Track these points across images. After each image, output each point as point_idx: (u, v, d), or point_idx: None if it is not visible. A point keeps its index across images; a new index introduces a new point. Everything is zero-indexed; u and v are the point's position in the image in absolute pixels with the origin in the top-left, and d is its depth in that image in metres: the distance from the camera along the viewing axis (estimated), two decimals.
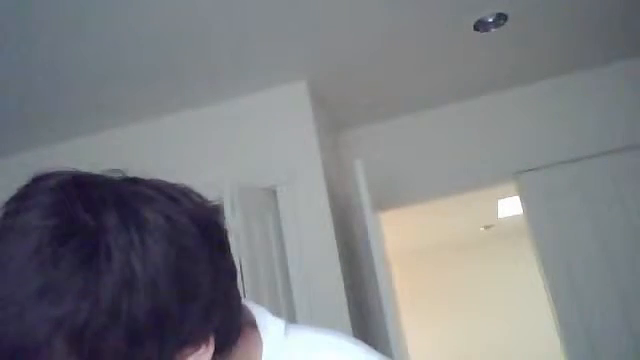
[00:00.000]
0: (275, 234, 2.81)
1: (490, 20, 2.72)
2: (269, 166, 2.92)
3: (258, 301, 2.47)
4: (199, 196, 0.64)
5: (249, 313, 0.72)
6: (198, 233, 0.59)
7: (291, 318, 2.65)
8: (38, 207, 0.55)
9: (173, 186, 0.62)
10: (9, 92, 2.66)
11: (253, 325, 0.71)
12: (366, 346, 0.73)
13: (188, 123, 3.08)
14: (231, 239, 2.41)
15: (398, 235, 5.22)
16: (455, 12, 2.62)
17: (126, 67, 2.63)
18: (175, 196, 0.60)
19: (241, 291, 2.46)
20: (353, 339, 0.74)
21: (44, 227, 0.53)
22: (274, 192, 2.89)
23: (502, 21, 2.73)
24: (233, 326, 0.64)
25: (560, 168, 3.31)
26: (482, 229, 6.28)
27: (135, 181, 0.63)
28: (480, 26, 2.75)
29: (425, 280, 6.53)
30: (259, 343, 0.69)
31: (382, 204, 3.27)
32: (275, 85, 2.98)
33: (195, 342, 0.58)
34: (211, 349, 0.59)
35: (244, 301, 0.72)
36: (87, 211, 0.55)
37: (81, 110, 2.92)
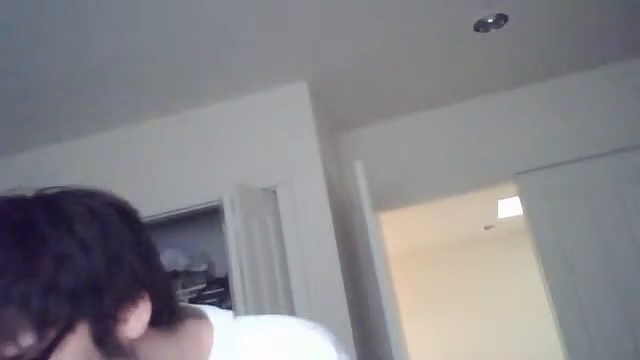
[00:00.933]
0: (275, 234, 2.80)
1: (490, 21, 2.72)
2: (269, 166, 2.92)
3: (258, 301, 2.47)
4: (111, 194, 0.76)
5: (197, 309, 0.82)
6: (114, 212, 0.71)
7: None
8: None
9: (89, 188, 0.74)
10: (9, 92, 2.66)
11: (203, 315, 0.81)
12: (313, 324, 0.81)
13: (188, 124, 3.08)
14: (231, 239, 2.41)
15: (398, 235, 5.22)
16: (455, 12, 2.62)
17: (126, 68, 2.63)
18: (90, 192, 0.73)
19: (241, 291, 2.47)
20: (299, 319, 0.82)
21: None
22: (274, 192, 2.89)
23: (502, 22, 2.73)
24: (167, 293, 0.74)
25: (560, 169, 3.31)
26: (482, 230, 6.28)
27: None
28: (480, 27, 2.75)
29: (425, 280, 6.53)
30: (210, 326, 0.79)
31: (382, 204, 3.27)
32: (275, 85, 2.98)
33: (132, 299, 0.68)
34: (149, 307, 0.69)
35: (196, 305, 0.83)
36: (16, 209, 0.67)
37: (81, 111, 2.92)
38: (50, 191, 0.71)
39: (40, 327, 0.61)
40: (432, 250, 6.52)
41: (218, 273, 3.44)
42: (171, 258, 3.35)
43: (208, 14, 2.35)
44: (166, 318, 0.73)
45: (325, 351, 0.77)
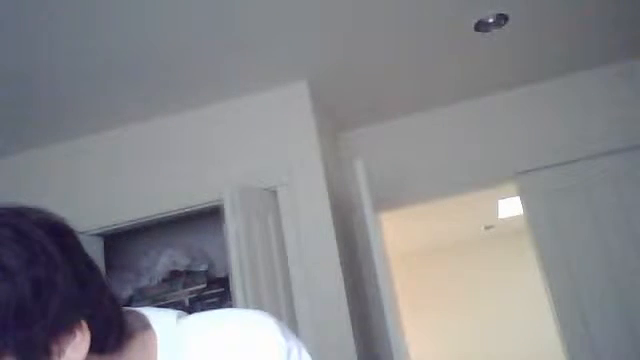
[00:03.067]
0: (275, 234, 2.81)
1: (491, 21, 2.72)
2: (269, 166, 2.92)
3: (258, 301, 2.47)
4: (44, 212, 0.69)
5: (143, 316, 0.77)
6: (44, 233, 0.65)
7: (291, 318, 2.65)
8: None
9: (20, 206, 0.68)
10: (8, 92, 2.66)
11: (147, 324, 0.75)
12: (260, 313, 0.78)
13: (188, 124, 3.08)
14: (231, 239, 2.41)
15: (398, 235, 5.22)
16: (456, 13, 2.62)
17: (126, 68, 2.63)
18: (19, 211, 0.67)
19: (242, 291, 2.47)
20: (247, 310, 0.80)
21: None
22: (274, 192, 2.89)
23: (503, 22, 2.73)
24: (111, 316, 0.69)
25: (560, 169, 3.30)
26: (482, 229, 6.28)
27: None
28: (481, 27, 2.75)
29: (425, 280, 6.52)
30: (153, 336, 0.74)
31: (382, 204, 3.27)
32: (275, 85, 2.98)
33: (67, 329, 0.63)
34: (87, 336, 0.64)
35: (141, 309, 0.78)
36: None
37: (80, 111, 2.92)
38: None
39: None
40: (432, 250, 6.52)
41: (218, 273, 3.44)
42: (171, 258, 3.36)
43: (208, 14, 2.35)
44: (112, 342, 0.69)
45: (271, 340, 0.74)
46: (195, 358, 0.73)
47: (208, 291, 3.32)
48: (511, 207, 5.14)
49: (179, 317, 0.77)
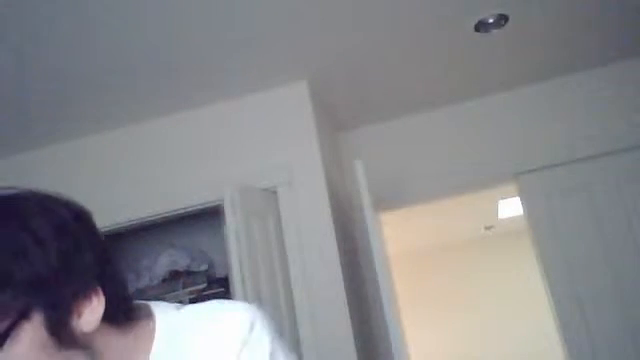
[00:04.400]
0: (275, 235, 2.81)
1: (491, 21, 2.72)
2: (269, 167, 2.92)
3: (259, 301, 2.47)
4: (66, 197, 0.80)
5: (146, 306, 0.86)
6: (69, 213, 0.76)
7: (291, 319, 2.65)
8: None
9: (44, 191, 0.79)
10: (9, 92, 2.66)
11: (150, 314, 0.85)
12: (249, 306, 0.86)
13: (189, 124, 3.08)
14: (232, 239, 2.41)
15: (398, 235, 5.22)
16: (456, 13, 2.63)
17: (126, 68, 2.63)
18: (46, 194, 0.77)
19: (242, 291, 2.47)
20: (239, 302, 0.88)
21: None
22: (274, 193, 2.89)
23: (503, 22, 2.73)
24: (121, 291, 0.79)
25: (560, 169, 3.30)
26: (483, 230, 6.28)
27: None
28: (481, 27, 2.75)
29: (425, 280, 6.52)
30: (154, 323, 0.83)
31: (383, 205, 3.27)
32: (276, 85, 2.98)
33: (86, 295, 0.72)
34: (102, 302, 0.73)
35: (145, 302, 0.87)
36: None
37: (81, 111, 2.92)
38: (7, 191, 0.75)
39: None
40: (432, 250, 6.52)
41: (218, 273, 3.44)
42: (171, 258, 3.36)
43: (208, 14, 2.35)
44: (120, 315, 0.78)
45: (232, 331, 0.80)
46: (190, 344, 0.81)
47: (208, 291, 3.32)
48: (511, 207, 5.15)
49: (178, 308, 0.86)
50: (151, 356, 0.80)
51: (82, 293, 0.72)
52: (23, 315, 0.67)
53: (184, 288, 3.33)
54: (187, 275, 3.37)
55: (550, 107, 3.42)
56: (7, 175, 3.13)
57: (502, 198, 4.99)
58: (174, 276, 3.35)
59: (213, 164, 2.98)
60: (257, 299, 2.48)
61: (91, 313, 0.72)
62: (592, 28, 2.95)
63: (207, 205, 2.90)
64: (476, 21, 2.71)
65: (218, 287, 3.34)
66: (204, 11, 2.33)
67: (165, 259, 3.35)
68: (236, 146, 3.00)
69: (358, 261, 3.21)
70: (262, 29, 2.52)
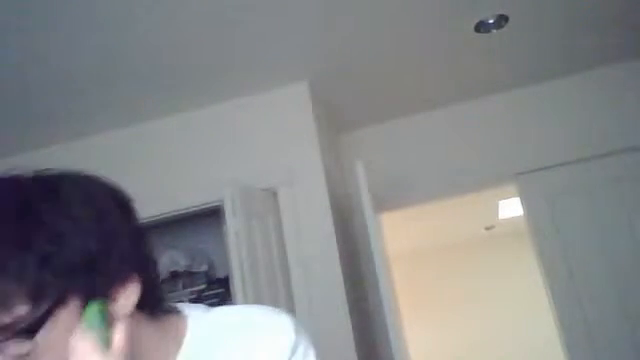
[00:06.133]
0: (276, 235, 2.81)
1: (491, 21, 2.72)
2: (270, 167, 2.92)
3: (258, 301, 2.47)
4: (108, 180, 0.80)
5: (176, 306, 0.85)
6: (110, 197, 0.75)
7: None
8: None
9: (85, 173, 0.79)
10: (10, 92, 2.66)
11: (180, 313, 0.84)
12: (278, 310, 0.86)
13: (188, 124, 3.08)
14: (232, 239, 2.40)
15: (399, 236, 5.22)
16: (456, 13, 2.63)
17: (127, 68, 2.63)
18: (88, 176, 0.78)
19: (242, 292, 2.47)
20: (265, 307, 0.87)
21: None
22: (275, 193, 2.89)
23: (503, 22, 2.74)
24: (155, 280, 0.78)
25: (561, 169, 3.30)
26: (483, 230, 6.28)
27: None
28: (481, 27, 2.75)
29: (426, 281, 6.52)
30: (184, 319, 0.83)
31: (383, 205, 3.27)
32: (276, 86, 2.98)
33: (122, 280, 0.71)
34: (137, 289, 0.72)
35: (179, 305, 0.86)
36: (15, 188, 0.71)
37: (82, 111, 2.92)
38: (49, 172, 0.76)
39: (34, 299, 0.64)
40: (432, 251, 6.52)
41: (219, 273, 3.44)
42: (171, 258, 3.36)
43: (208, 15, 2.36)
44: (152, 304, 0.77)
45: (284, 334, 0.80)
46: (220, 347, 0.80)
47: (208, 292, 3.32)
48: (511, 208, 5.15)
49: (207, 310, 0.85)
50: (179, 357, 0.79)
51: (118, 279, 0.71)
52: (60, 300, 0.66)
53: (184, 288, 3.33)
54: (187, 275, 3.37)
55: (550, 107, 3.42)
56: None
57: (502, 198, 4.99)
58: (174, 276, 3.35)
59: (213, 165, 2.98)
60: (257, 299, 2.48)
61: (125, 299, 0.72)
62: (592, 28, 2.95)
63: (207, 205, 2.90)
64: (476, 21, 2.71)
65: (218, 287, 3.34)
66: (204, 12, 2.33)
67: (165, 259, 3.35)
68: (236, 147, 3.00)
69: (358, 261, 3.21)
70: (262, 30, 2.52)
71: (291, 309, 2.68)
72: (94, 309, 0.70)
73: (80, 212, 0.70)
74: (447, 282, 6.56)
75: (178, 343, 0.80)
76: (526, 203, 3.37)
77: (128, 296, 0.72)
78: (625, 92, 3.33)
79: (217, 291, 3.32)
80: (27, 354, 0.64)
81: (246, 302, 2.43)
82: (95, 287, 0.69)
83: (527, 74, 3.33)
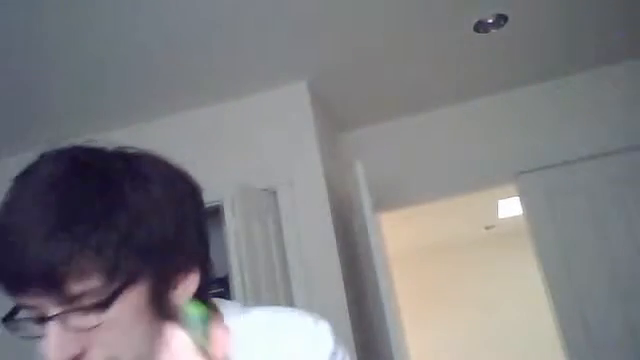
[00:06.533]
0: (275, 235, 2.81)
1: (490, 21, 2.72)
2: (269, 167, 2.92)
3: (258, 301, 2.47)
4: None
5: (211, 300, 0.84)
6: (187, 189, 0.76)
7: None
8: (53, 159, 0.72)
9: (163, 157, 0.79)
10: (9, 92, 2.67)
11: (217, 308, 0.84)
12: (317, 316, 0.87)
13: (188, 124, 3.08)
14: (231, 239, 2.40)
15: (398, 235, 5.22)
16: (455, 13, 2.63)
17: (126, 68, 2.63)
18: (166, 161, 0.77)
19: (242, 292, 2.47)
20: (303, 311, 0.88)
21: (60, 169, 0.69)
22: (274, 193, 2.89)
23: (502, 22, 2.74)
24: (209, 273, 0.78)
25: (560, 169, 3.31)
26: (483, 230, 6.28)
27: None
28: (480, 27, 2.75)
29: (426, 280, 6.53)
30: (221, 317, 0.82)
31: (382, 205, 3.27)
32: (275, 86, 2.98)
33: (187, 269, 0.72)
34: (197, 280, 0.73)
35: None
36: (99, 160, 0.70)
37: (82, 111, 2.92)
38: (129, 150, 0.75)
39: (109, 275, 0.64)
40: (432, 250, 6.52)
41: (218, 273, 3.43)
42: None
43: (208, 14, 2.36)
44: (203, 297, 0.77)
45: (324, 342, 0.81)
46: (257, 350, 0.79)
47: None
48: (511, 207, 5.15)
49: (244, 310, 0.85)
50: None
51: (183, 267, 0.72)
52: (132, 280, 0.66)
53: None
54: None
55: (550, 107, 3.42)
56: (8, 175, 3.14)
57: (502, 198, 4.99)
58: None
59: (213, 164, 2.98)
60: (256, 299, 2.48)
61: (185, 288, 0.73)
62: (592, 28, 2.95)
63: (207, 205, 2.87)
64: (475, 21, 2.71)
65: (218, 287, 3.33)
66: (204, 12, 2.33)
67: None
68: (236, 146, 3.00)
69: (358, 261, 3.21)
70: (262, 29, 2.52)
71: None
72: (195, 309, 0.71)
73: (160, 194, 0.70)
74: (447, 282, 6.56)
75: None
76: (526, 203, 3.37)
77: (187, 286, 0.73)
78: (625, 92, 3.33)
79: (216, 291, 3.32)
80: (91, 329, 0.65)
81: (245, 302, 2.43)
82: (166, 272, 0.70)
83: (526, 74, 3.33)
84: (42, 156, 0.73)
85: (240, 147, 2.99)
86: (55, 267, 0.62)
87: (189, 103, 3.01)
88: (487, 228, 6.23)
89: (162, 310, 0.70)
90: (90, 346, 0.65)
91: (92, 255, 0.63)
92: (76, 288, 0.63)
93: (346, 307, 2.67)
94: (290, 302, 2.70)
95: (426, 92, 3.35)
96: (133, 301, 0.67)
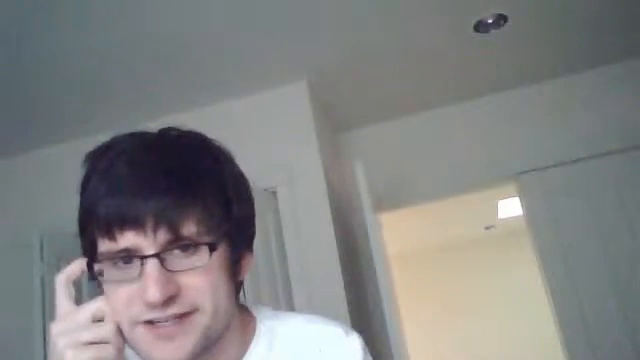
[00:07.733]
0: (275, 235, 2.81)
1: (490, 21, 2.72)
2: (269, 167, 2.92)
3: (258, 301, 2.47)
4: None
5: (243, 303, 0.89)
6: (242, 176, 0.86)
7: None
8: (141, 134, 0.87)
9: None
10: (11, 91, 2.66)
11: (247, 310, 0.88)
12: (347, 325, 0.91)
13: (188, 124, 3.05)
14: None
15: (398, 236, 5.22)
16: (455, 13, 2.63)
17: (126, 68, 2.63)
18: (228, 156, 0.89)
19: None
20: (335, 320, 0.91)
21: (155, 137, 0.85)
22: (274, 193, 2.89)
23: (502, 22, 2.73)
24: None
25: (560, 169, 3.30)
26: (482, 230, 6.28)
27: None
28: (480, 27, 2.75)
29: (425, 281, 6.53)
30: (252, 318, 0.87)
31: (382, 205, 3.27)
32: (275, 85, 2.98)
33: (249, 250, 0.83)
34: (252, 261, 0.83)
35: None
36: (200, 139, 0.87)
37: (81, 112, 2.92)
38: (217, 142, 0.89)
39: (209, 225, 0.73)
40: (432, 250, 6.52)
41: None
42: None
43: (207, 15, 2.36)
44: (240, 287, 0.84)
45: (354, 354, 0.85)
46: (288, 357, 0.83)
47: None
48: (511, 207, 5.15)
49: (275, 314, 0.90)
50: (248, 354, 0.82)
51: (247, 246, 0.82)
52: (223, 235, 0.75)
53: None
54: None
55: (550, 107, 3.42)
56: (9, 175, 3.13)
57: (502, 198, 4.99)
58: None
59: None
60: (256, 299, 2.48)
61: (244, 267, 0.81)
62: (592, 28, 2.95)
63: None
64: (475, 21, 2.71)
65: None
66: (204, 11, 2.33)
67: None
68: (235, 146, 2.96)
69: (358, 261, 3.21)
70: (262, 29, 2.52)
71: (290, 309, 2.68)
72: None
73: (244, 182, 0.83)
74: (447, 282, 6.56)
75: (245, 342, 0.83)
76: (525, 203, 3.37)
77: (245, 266, 0.81)
78: (625, 92, 3.33)
79: None
80: (185, 271, 0.71)
81: (245, 301, 2.43)
82: (240, 242, 0.80)
83: (526, 74, 3.33)
84: (126, 134, 0.89)
85: (239, 146, 2.96)
86: (167, 208, 0.70)
87: (188, 103, 3.01)
88: (487, 228, 6.23)
89: (233, 276, 0.78)
90: (180, 289, 0.71)
91: (199, 205, 0.72)
92: (182, 230, 0.71)
93: (346, 307, 2.67)
94: (290, 302, 2.70)
95: (426, 92, 3.35)
96: (221, 257, 0.75)
